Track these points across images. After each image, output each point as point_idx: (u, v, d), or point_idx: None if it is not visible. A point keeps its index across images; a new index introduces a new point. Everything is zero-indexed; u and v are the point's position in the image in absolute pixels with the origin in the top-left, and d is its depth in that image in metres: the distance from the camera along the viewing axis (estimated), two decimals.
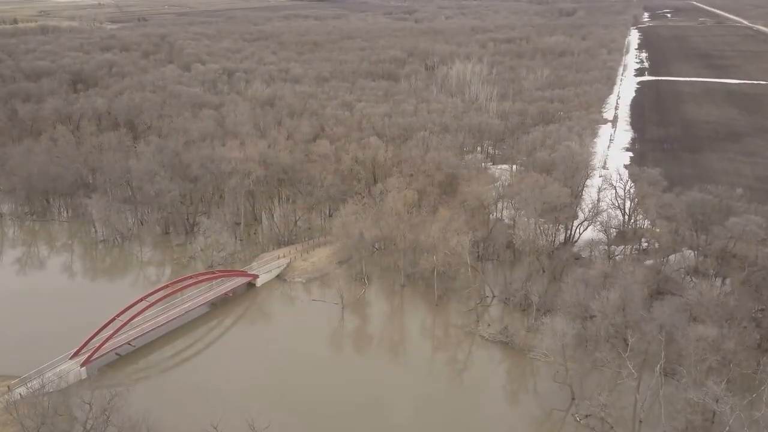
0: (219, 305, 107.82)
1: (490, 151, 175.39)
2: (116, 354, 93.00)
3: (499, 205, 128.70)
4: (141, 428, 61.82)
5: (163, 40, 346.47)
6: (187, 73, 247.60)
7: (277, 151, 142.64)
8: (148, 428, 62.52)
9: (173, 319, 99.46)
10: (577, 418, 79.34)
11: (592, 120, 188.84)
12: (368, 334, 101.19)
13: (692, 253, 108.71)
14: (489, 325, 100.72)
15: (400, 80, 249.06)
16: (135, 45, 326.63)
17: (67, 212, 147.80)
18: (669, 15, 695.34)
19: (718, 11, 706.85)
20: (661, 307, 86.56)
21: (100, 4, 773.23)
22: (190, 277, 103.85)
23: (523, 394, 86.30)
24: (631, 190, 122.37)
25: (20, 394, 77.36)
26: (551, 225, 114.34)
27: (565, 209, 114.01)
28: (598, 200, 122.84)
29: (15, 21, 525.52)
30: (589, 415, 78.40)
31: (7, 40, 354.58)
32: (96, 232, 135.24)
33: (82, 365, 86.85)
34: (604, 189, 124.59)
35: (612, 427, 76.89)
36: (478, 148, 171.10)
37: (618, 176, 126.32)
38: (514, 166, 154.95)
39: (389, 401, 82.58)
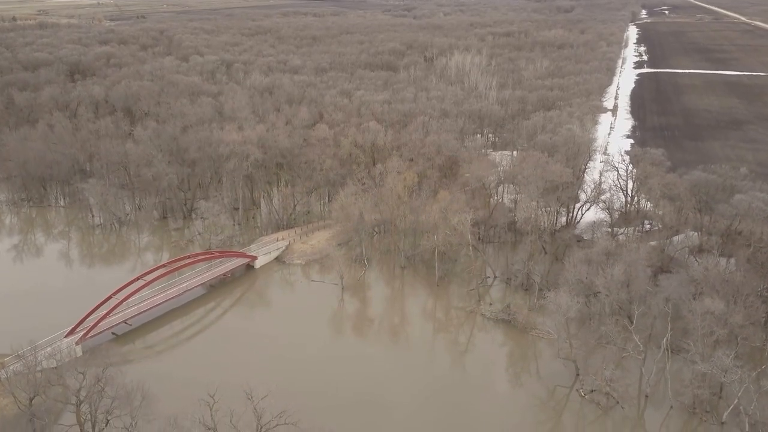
0: (217, 287, 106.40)
1: (491, 137, 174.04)
2: (113, 333, 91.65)
3: (501, 189, 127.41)
4: (136, 396, 60.23)
5: (162, 35, 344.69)
6: (185, 63, 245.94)
7: (275, 135, 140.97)
8: (143, 396, 60.95)
9: (171, 298, 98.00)
10: (582, 394, 77.90)
11: (592, 107, 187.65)
12: (368, 316, 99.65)
13: (696, 234, 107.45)
14: (491, 304, 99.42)
15: (399, 71, 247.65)
16: (133, 39, 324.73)
17: (64, 199, 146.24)
18: (667, 12, 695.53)
19: (715, 8, 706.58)
20: (667, 280, 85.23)
21: (99, 3, 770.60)
22: (188, 257, 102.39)
23: (526, 371, 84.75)
24: (634, 171, 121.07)
25: (14, 371, 75.89)
26: (553, 204, 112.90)
27: (567, 189, 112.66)
28: (600, 182, 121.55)
29: (14, 19, 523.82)
30: (594, 391, 77.00)
31: (6, 34, 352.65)
32: (93, 217, 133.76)
33: (77, 343, 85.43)
34: (607, 171, 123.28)
35: (617, 402, 75.56)
36: (478, 136, 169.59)
37: (620, 157, 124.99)
38: (515, 152, 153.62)
39: (390, 382, 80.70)
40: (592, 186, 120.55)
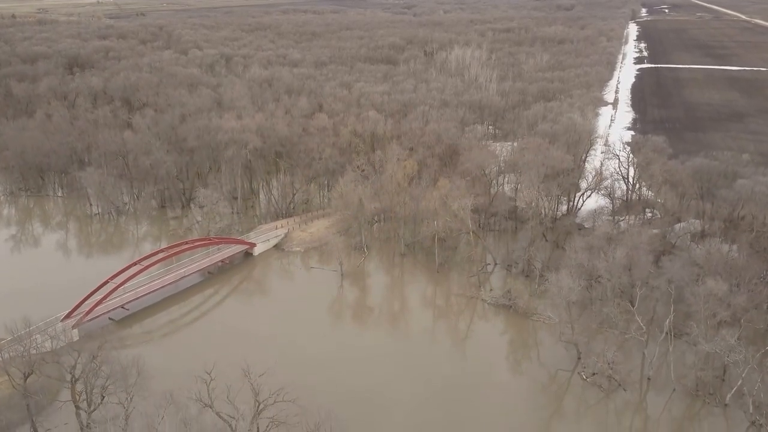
0: (216, 273, 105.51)
1: (491, 128, 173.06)
2: (110, 318, 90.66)
3: (501, 178, 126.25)
4: (131, 373, 59.35)
5: (161, 30, 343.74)
6: (184, 57, 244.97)
7: (274, 124, 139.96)
8: (138, 372, 60.07)
9: (169, 284, 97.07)
10: (584, 377, 77.01)
11: (593, 98, 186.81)
12: (368, 303, 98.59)
13: (698, 222, 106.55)
14: (491, 290, 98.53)
15: (399, 64, 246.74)
16: (132, 34, 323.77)
17: (62, 188, 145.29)
18: (667, 10, 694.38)
19: (715, 7, 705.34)
20: (670, 263, 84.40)
21: (98, 1, 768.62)
22: (186, 243, 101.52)
23: (527, 356, 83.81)
24: (635, 160, 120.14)
25: (9, 353, 74.91)
26: (554, 190, 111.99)
27: (568, 175, 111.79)
28: (601, 171, 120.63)
29: (13, 16, 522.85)
30: (596, 374, 76.10)
31: (5, 30, 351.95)
32: (91, 206, 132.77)
33: (73, 327, 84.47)
34: (608, 159, 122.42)
35: (619, 385, 74.70)
36: (478, 126, 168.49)
37: (621, 145, 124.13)
38: (515, 143, 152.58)
39: (389, 369, 79.24)
40: (593, 174, 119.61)
